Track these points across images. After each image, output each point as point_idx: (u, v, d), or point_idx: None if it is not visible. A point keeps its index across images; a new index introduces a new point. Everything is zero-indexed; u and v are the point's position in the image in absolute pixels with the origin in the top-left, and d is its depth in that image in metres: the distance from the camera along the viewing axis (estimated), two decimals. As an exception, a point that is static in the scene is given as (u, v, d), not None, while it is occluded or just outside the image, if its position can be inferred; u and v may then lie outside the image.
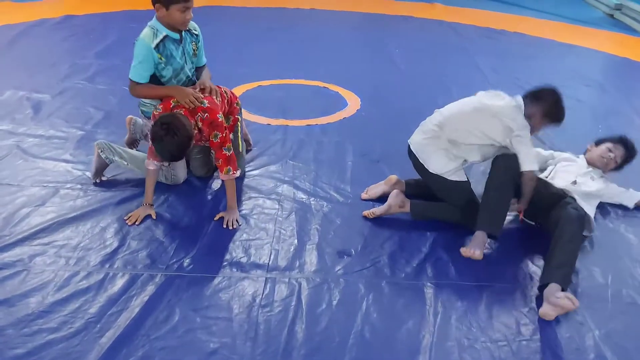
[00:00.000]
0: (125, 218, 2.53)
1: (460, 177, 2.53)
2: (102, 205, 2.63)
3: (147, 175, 2.59)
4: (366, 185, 2.86)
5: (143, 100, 2.79)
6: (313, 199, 2.77)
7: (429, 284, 2.22)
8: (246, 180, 2.91)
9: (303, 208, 2.68)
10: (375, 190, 2.79)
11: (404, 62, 5.05)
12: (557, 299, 2.04)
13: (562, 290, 2.09)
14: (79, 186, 2.78)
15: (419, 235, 2.53)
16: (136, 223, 2.50)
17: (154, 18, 2.64)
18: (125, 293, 2.09)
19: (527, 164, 2.42)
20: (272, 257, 2.32)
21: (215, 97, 2.61)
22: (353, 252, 2.38)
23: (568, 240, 2.22)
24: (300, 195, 2.79)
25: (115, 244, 2.37)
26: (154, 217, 2.56)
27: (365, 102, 4.04)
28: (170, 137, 2.30)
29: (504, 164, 2.43)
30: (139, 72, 2.63)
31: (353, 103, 4.02)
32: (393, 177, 2.82)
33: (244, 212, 2.64)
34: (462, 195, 2.54)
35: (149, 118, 2.74)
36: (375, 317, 2.03)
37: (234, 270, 2.24)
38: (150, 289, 2.12)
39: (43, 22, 5.70)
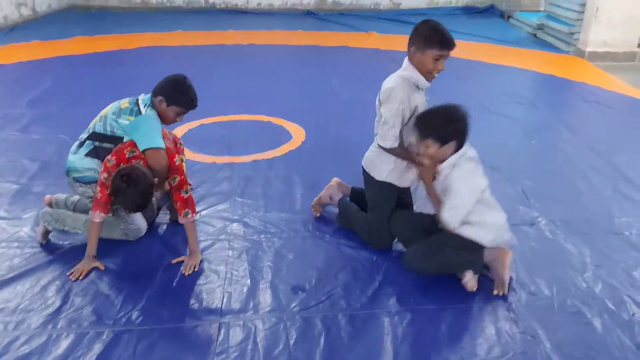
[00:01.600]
0: (68, 274, 2.42)
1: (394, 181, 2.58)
2: (41, 263, 2.50)
3: (91, 227, 2.50)
4: (317, 217, 2.89)
5: (75, 166, 2.62)
6: (264, 235, 2.75)
7: (385, 311, 2.22)
8: (194, 223, 2.86)
9: (254, 246, 2.65)
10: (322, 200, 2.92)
11: (344, 92, 5.15)
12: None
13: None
14: (15, 244, 2.64)
15: (371, 263, 2.54)
16: (80, 278, 2.40)
17: (150, 102, 2.61)
18: (71, 354, 1.98)
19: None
20: (224, 300, 2.27)
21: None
22: (307, 287, 2.36)
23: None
24: (251, 233, 2.76)
25: (58, 303, 2.25)
26: (102, 268, 2.46)
27: (309, 133, 4.07)
28: (132, 188, 2.27)
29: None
30: (158, 139, 2.51)
31: (298, 135, 4.05)
32: (335, 180, 2.95)
33: (193, 255, 2.57)
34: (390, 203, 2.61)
35: (86, 184, 2.62)
36: (334, 352, 2.01)
37: (186, 318, 2.17)
38: (98, 347, 2.02)
39: (-31, 73, 5.48)
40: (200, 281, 2.39)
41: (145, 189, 2.31)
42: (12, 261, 2.52)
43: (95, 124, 2.65)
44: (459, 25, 8.51)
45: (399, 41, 7.43)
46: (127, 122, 2.54)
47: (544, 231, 2.82)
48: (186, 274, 2.42)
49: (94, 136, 2.63)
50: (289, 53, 6.95)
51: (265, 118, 4.39)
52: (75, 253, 2.56)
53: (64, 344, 2.03)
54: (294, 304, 2.26)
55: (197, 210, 2.57)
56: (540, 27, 7.78)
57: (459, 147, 2.31)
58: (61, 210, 2.70)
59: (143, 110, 2.57)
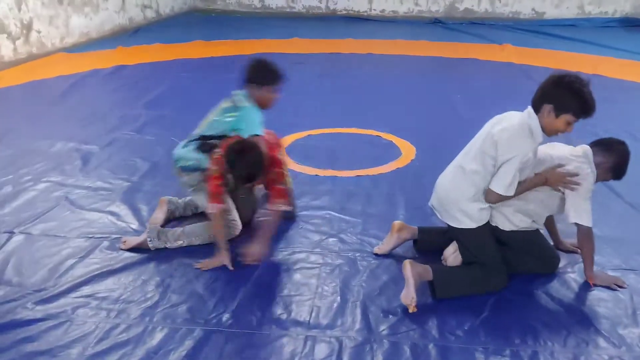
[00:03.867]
0: (197, 266, 2.79)
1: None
2: (144, 258, 2.89)
3: (214, 220, 2.85)
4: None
5: (182, 155, 3.04)
6: (359, 254, 2.92)
7: (480, 348, 2.28)
8: (290, 233, 3.12)
9: (348, 263, 2.84)
10: (387, 245, 2.93)
11: (465, 109, 5.21)
12: None
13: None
14: (124, 238, 3.06)
15: (478, 296, 2.60)
16: (208, 269, 2.78)
17: (246, 95, 3.04)
18: (164, 347, 2.29)
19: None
20: (313, 314, 2.48)
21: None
22: (399, 312, 2.49)
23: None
24: (346, 250, 2.95)
25: (156, 297, 2.60)
26: (231, 268, 2.78)
27: (420, 152, 4.20)
28: (244, 155, 2.67)
29: None
30: (258, 129, 2.94)
31: (407, 152, 4.19)
32: (396, 223, 2.94)
33: (286, 266, 2.83)
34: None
35: (190, 172, 3.01)
36: (421, 382, 2.12)
37: (273, 327, 2.41)
38: (189, 343, 2.31)
39: (95, 72, 6.35)
40: (290, 292, 2.63)
41: (256, 158, 2.69)
42: (118, 254, 2.94)
43: (203, 129, 3.06)
44: (614, 40, 8.18)
45: (536, 55, 7.34)
46: (230, 119, 2.96)
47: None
48: (254, 262, 2.78)
49: (201, 138, 3.04)
50: (409, 64, 7.14)
51: (374, 132, 4.60)
52: (176, 253, 2.93)
53: (158, 336, 2.35)
54: (382, 327, 2.40)
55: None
56: None
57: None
58: (171, 231, 3.01)
59: (243, 104, 2.97)
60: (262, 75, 3.01)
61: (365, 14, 10.33)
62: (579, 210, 2.57)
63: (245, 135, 2.86)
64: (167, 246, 2.97)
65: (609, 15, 9.61)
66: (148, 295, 2.62)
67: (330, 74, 6.48)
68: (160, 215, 3.19)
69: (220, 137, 2.97)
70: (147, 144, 4.39)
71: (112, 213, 3.34)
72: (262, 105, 3.04)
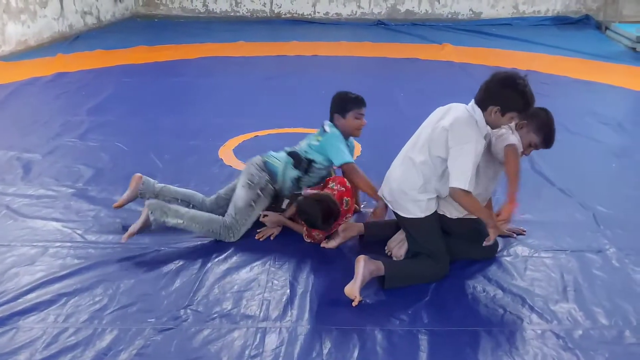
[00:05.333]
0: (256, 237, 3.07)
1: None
2: (91, 263, 2.88)
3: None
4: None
5: (276, 155, 3.19)
6: (308, 249, 3.00)
7: (424, 330, 2.40)
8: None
9: (297, 258, 2.91)
10: (334, 241, 3.01)
11: (408, 106, 5.38)
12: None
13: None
14: (68, 244, 3.05)
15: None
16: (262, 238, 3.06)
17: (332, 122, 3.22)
18: (114, 348, 2.31)
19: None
20: (263, 307, 2.54)
21: None
22: (348, 302, 2.57)
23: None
24: (296, 246, 3.02)
25: (105, 300, 2.60)
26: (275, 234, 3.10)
27: (365, 149, 4.32)
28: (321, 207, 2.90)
29: None
30: (347, 155, 3.15)
31: (353, 150, 4.30)
32: (341, 225, 3.03)
33: (236, 263, 2.88)
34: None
35: (269, 172, 3.12)
36: (368, 365, 2.21)
37: (224, 321, 2.45)
38: (139, 342, 2.33)
39: (35, 80, 6.20)
40: (241, 288, 2.69)
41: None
42: (64, 260, 2.91)
43: (298, 147, 3.22)
44: (547, 37, 8.56)
45: (474, 53, 7.60)
46: (316, 143, 3.12)
47: (611, 259, 2.89)
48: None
49: (291, 154, 3.17)
50: (353, 65, 7.28)
51: (320, 132, 4.68)
52: (123, 255, 2.94)
53: (108, 338, 2.36)
54: (331, 316, 2.49)
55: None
56: (641, 40, 7.67)
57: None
58: (174, 207, 3.07)
59: (328, 129, 3.12)
60: (341, 104, 3.18)
61: (310, 16, 10.44)
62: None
63: (336, 161, 3.07)
64: (165, 220, 3.02)
65: (542, 14, 10.05)
66: (96, 299, 2.61)
67: (277, 76, 6.55)
68: (127, 194, 3.29)
69: (309, 160, 3.13)
70: (90, 150, 4.35)
71: (56, 220, 3.31)
72: (349, 133, 3.20)
